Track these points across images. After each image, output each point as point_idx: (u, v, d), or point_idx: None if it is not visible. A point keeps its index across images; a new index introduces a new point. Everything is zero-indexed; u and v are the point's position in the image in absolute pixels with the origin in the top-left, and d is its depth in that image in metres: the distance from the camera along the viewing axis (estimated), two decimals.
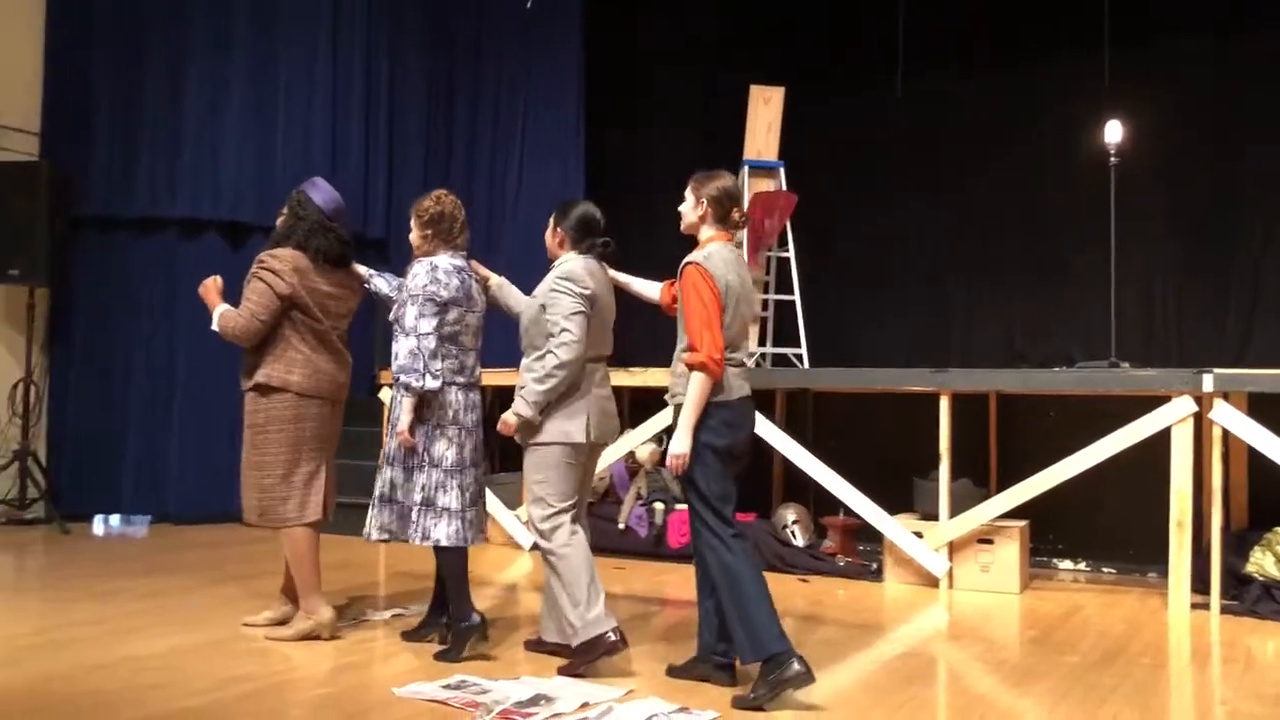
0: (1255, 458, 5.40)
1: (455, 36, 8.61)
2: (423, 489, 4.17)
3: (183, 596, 5.17)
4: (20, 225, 7.18)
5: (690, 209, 3.87)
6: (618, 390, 7.07)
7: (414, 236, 4.35)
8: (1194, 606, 5.18)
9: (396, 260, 8.27)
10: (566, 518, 3.98)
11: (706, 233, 3.85)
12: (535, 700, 3.51)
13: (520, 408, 4.00)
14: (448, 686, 3.68)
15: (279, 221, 4.58)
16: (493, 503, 6.96)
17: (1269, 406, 5.38)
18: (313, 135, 7.88)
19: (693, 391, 3.59)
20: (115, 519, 7.38)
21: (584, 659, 3.83)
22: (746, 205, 7.56)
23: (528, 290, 4.36)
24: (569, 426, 4.00)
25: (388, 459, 4.27)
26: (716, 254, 3.75)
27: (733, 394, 3.71)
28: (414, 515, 4.18)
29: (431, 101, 8.56)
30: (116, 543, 6.90)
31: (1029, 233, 7.48)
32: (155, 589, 5.32)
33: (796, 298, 7.54)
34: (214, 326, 4.46)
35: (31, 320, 7.44)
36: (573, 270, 4.06)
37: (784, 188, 7.67)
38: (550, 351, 3.98)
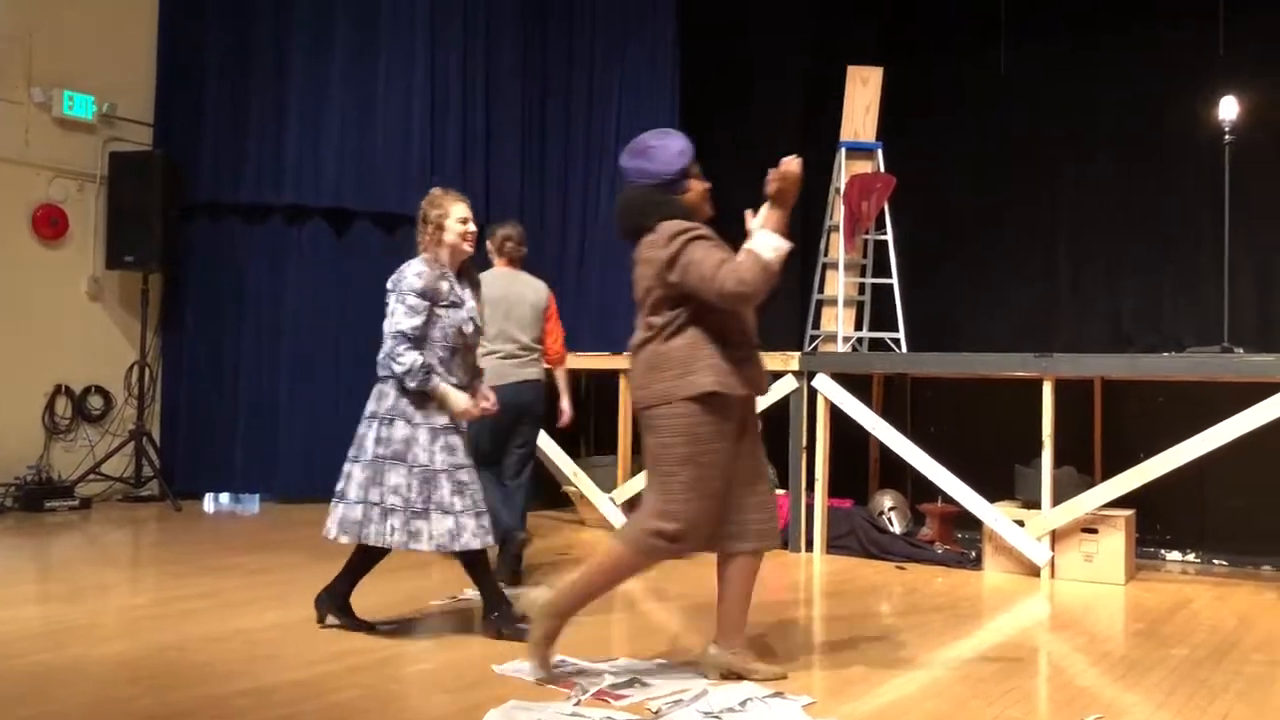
0: None
1: (549, 22, 8.65)
2: None
3: (290, 573, 5.33)
4: (136, 213, 7.47)
5: None
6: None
7: None
8: None
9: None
10: None
11: None
12: (630, 683, 3.54)
13: None
14: None
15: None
16: (587, 485, 7.03)
17: None
18: (412, 122, 8.00)
19: None
20: (225, 497, 7.66)
21: None
22: (843, 187, 7.48)
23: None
24: None
25: None
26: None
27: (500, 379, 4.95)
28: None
29: (526, 93, 8.55)
30: (227, 520, 7.15)
31: (1138, 213, 7.26)
32: (264, 565, 5.50)
33: (894, 281, 7.44)
34: (771, 256, 3.50)
35: (146, 305, 7.74)
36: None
37: (882, 169, 7.56)
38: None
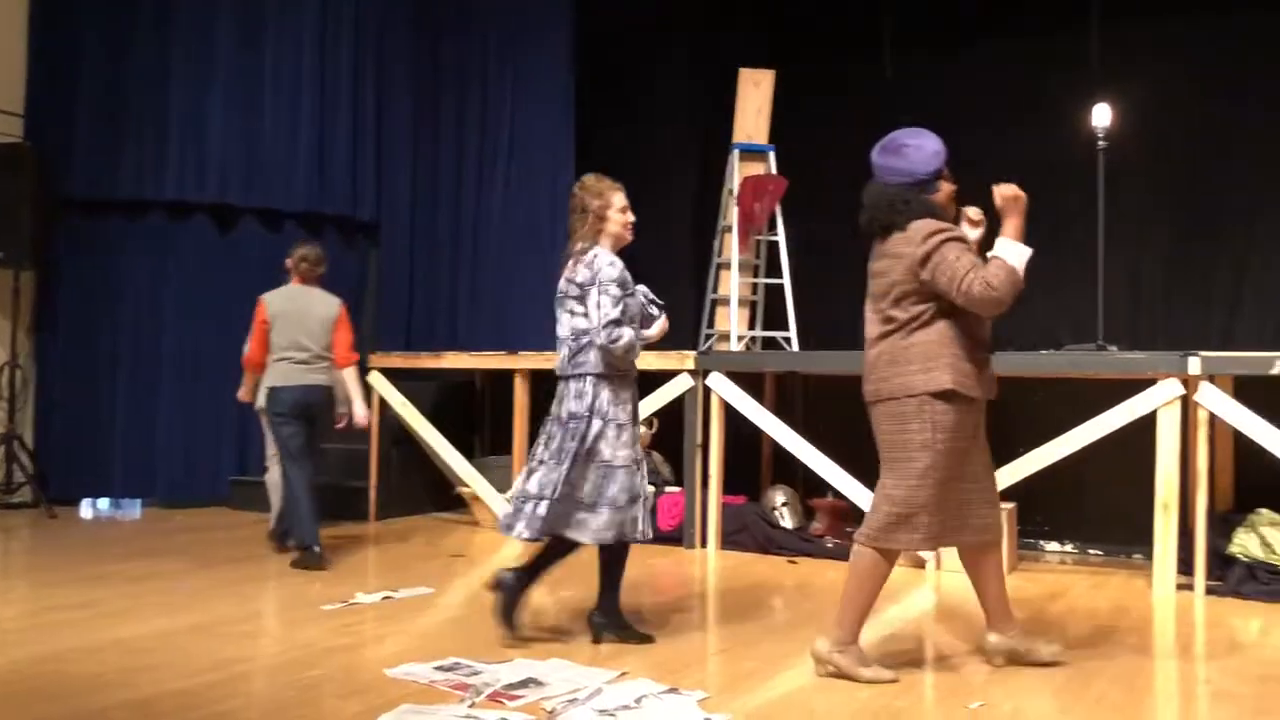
0: (1240, 440, 5.43)
1: (443, 19, 8.54)
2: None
3: (172, 580, 5.16)
4: (4, 207, 7.13)
5: None
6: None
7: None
8: (1179, 588, 5.22)
9: (386, 244, 8.27)
10: None
11: None
12: (525, 683, 3.53)
13: None
14: (440, 668, 3.69)
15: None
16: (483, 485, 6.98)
17: (1254, 389, 5.41)
18: (300, 117, 7.83)
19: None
20: (104, 503, 7.38)
21: None
22: (736, 189, 7.57)
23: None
24: None
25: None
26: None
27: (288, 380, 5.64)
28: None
29: (420, 91, 8.42)
30: (105, 526, 6.89)
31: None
32: (144, 572, 5.31)
33: (786, 281, 7.55)
34: (1019, 264, 3.61)
35: (17, 304, 7.41)
36: None
37: (774, 171, 7.66)
38: None
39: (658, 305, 4.27)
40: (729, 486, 6.47)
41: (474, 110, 8.57)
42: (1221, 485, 5.89)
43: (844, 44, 8.12)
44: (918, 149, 3.78)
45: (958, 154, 8.21)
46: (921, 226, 3.66)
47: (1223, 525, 5.47)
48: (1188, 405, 5.35)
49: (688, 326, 7.97)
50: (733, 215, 7.62)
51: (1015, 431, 6.13)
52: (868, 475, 6.00)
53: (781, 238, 7.61)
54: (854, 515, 6.28)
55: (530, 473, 4.05)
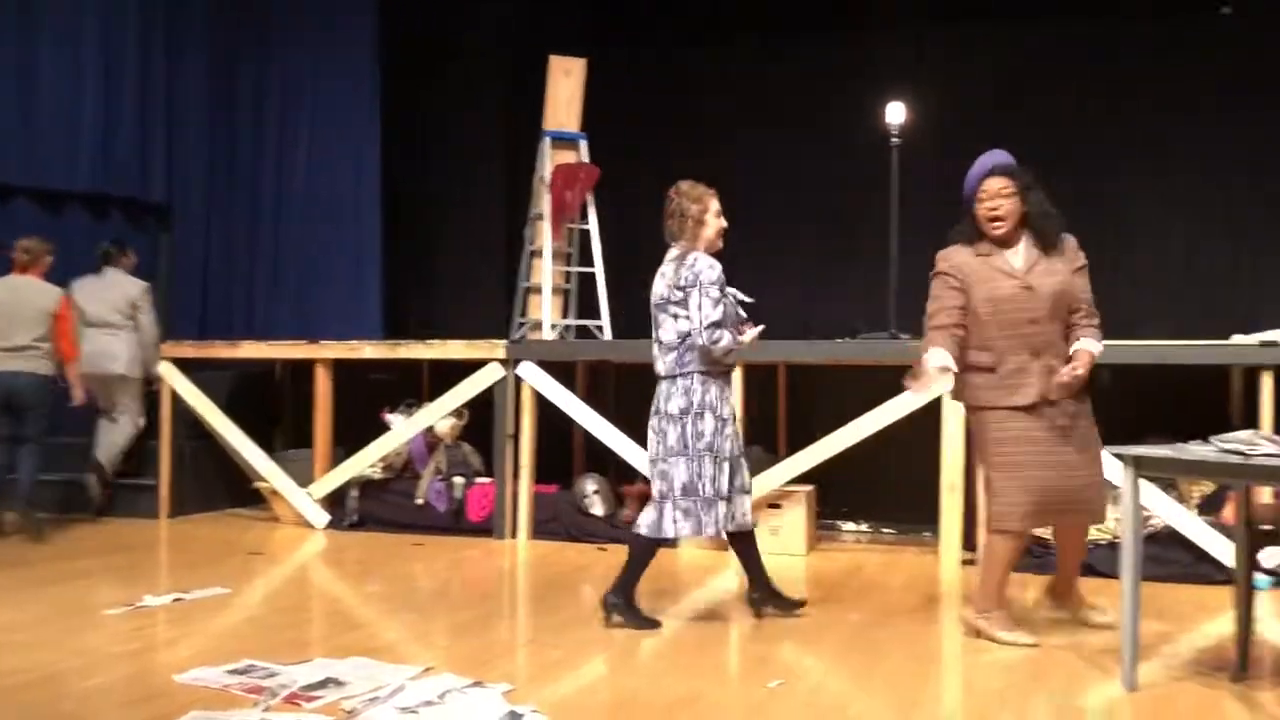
0: None
1: None
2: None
3: None
4: None
5: None
6: (417, 363, 6.95)
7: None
8: (964, 563, 5.53)
9: (179, 227, 7.85)
10: None
11: None
12: (324, 684, 3.42)
13: None
14: (233, 671, 3.53)
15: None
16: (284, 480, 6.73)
17: None
18: (83, 91, 7.32)
19: None
20: None
21: None
22: (548, 177, 7.54)
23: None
24: None
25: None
26: None
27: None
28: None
29: (214, 73, 7.98)
30: None
31: (821, 207, 7.76)
32: None
33: (598, 270, 7.58)
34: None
35: None
36: None
37: (586, 159, 7.68)
38: None
39: (745, 305, 4.44)
40: (540, 475, 6.46)
41: (273, 85, 8.21)
42: None
43: (660, 34, 8.20)
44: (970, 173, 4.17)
45: (760, 145, 8.45)
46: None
47: None
48: None
49: (499, 315, 7.91)
50: (544, 203, 7.59)
51: (817, 417, 6.38)
52: None
53: (594, 226, 7.64)
54: None
55: (666, 472, 4.17)
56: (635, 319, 7.75)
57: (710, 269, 4.18)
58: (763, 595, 4.46)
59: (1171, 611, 4.55)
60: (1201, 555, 5.13)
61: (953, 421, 5.52)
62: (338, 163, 8.11)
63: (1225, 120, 7.38)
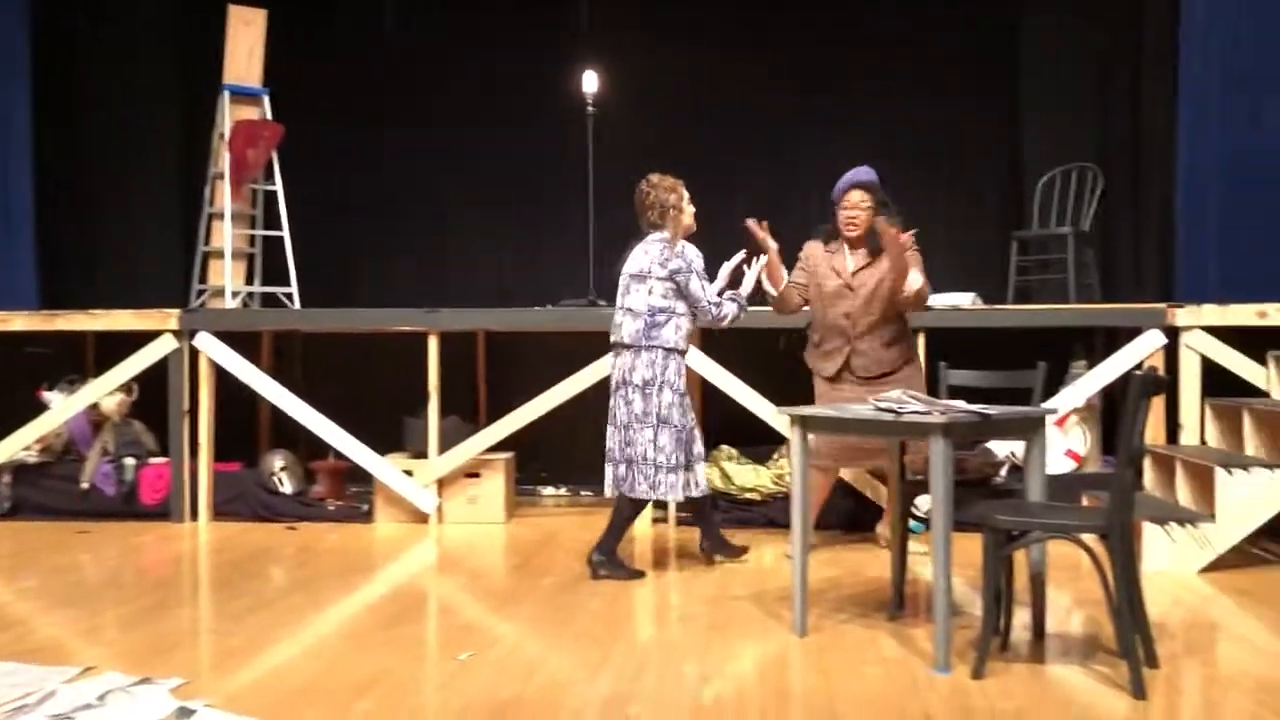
0: (707, 385, 5.99)
1: None
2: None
3: None
4: None
5: None
6: (80, 335, 6.36)
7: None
8: (656, 521, 5.71)
9: None
10: None
11: None
12: None
13: None
14: None
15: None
16: None
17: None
18: None
19: None
20: None
21: None
22: (228, 133, 7.06)
23: None
24: None
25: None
26: None
27: None
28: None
29: None
30: None
31: (520, 177, 7.70)
32: None
33: (285, 234, 7.19)
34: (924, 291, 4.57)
35: None
36: None
37: (269, 116, 7.24)
38: None
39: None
40: (222, 453, 6.10)
41: None
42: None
43: None
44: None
45: (458, 111, 8.25)
46: None
47: None
48: None
49: (177, 285, 7.35)
50: (224, 162, 7.11)
51: (516, 385, 6.36)
52: (372, 433, 5.97)
53: (280, 187, 7.23)
54: (356, 476, 6.19)
55: (633, 439, 4.55)
56: (331, 284, 7.45)
57: (698, 257, 4.62)
58: (713, 545, 4.89)
59: (842, 560, 4.90)
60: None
61: None
62: None
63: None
